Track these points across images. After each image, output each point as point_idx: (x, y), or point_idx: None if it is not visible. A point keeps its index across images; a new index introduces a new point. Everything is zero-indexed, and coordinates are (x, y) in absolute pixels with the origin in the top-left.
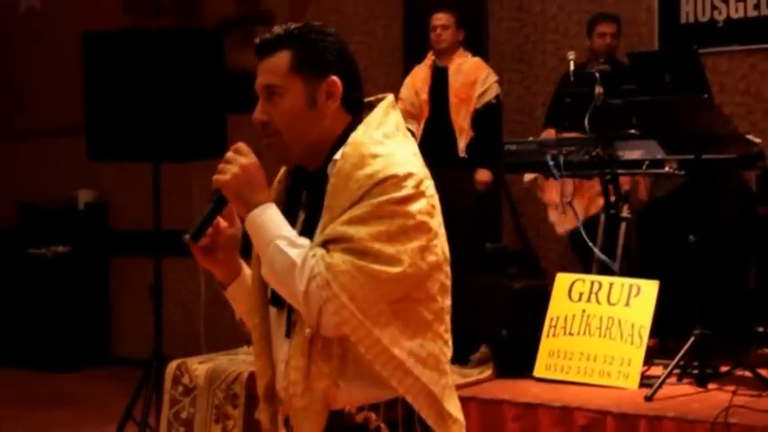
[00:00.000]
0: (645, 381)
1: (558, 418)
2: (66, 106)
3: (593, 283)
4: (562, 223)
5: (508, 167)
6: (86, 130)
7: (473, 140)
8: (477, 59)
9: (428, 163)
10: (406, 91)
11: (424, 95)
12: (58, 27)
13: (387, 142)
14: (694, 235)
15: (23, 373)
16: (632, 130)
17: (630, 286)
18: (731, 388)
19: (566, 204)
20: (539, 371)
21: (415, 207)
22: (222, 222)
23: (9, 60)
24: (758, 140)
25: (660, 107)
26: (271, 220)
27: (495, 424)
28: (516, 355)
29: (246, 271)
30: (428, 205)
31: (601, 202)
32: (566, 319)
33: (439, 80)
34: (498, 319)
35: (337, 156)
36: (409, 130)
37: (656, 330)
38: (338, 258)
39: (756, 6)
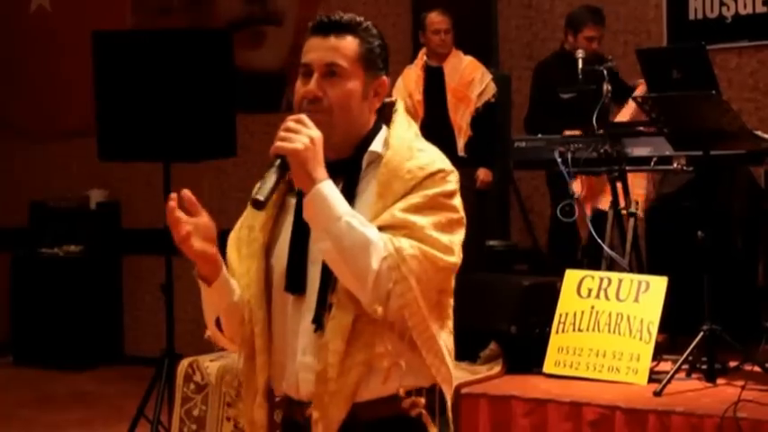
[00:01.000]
0: (654, 376)
1: (567, 413)
2: (76, 106)
3: (602, 279)
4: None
5: (517, 165)
6: (97, 130)
7: (472, 139)
8: (471, 58)
9: None
10: (398, 93)
11: (419, 96)
12: (69, 27)
13: (422, 141)
14: (703, 231)
15: (36, 372)
16: (640, 127)
17: (639, 282)
18: (740, 383)
19: (575, 201)
20: (548, 367)
21: (457, 202)
22: (199, 211)
23: (20, 60)
24: (767, 136)
25: (669, 104)
26: (336, 196)
27: (504, 420)
28: (525, 352)
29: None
30: (461, 202)
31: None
32: (575, 315)
33: (433, 80)
34: (507, 315)
35: (374, 148)
36: None
37: (664, 326)
38: (405, 243)
39: (765, 2)
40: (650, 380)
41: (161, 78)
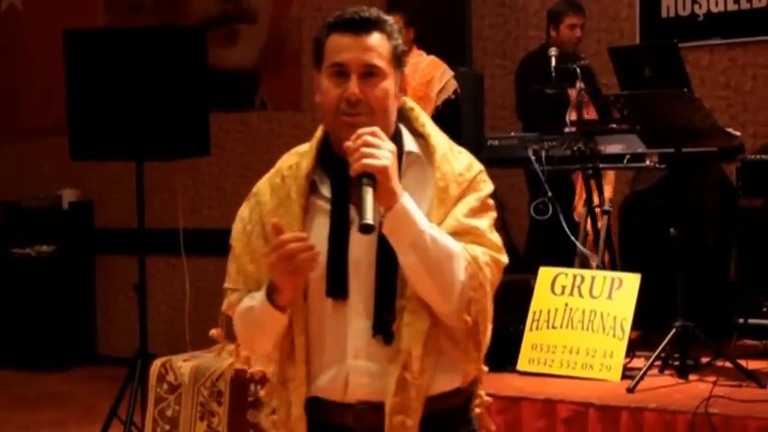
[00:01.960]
0: (627, 373)
1: (541, 410)
2: (48, 105)
3: (575, 276)
4: None
5: (490, 162)
6: (69, 129)
7: None
8: (432, 57)
9: None
10: None
11: None
12: (40, 26)
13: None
14: (675, 228)
15: (8, 373)
16: (613, 125)
17: (612, 279)
18: (712, 379)
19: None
20: (522, 364)
21: (492, 202)
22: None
23: None
24: (738, 134)
25: (641, 101)
26: (415, 208)
27: None
28: (499, 349)
29: None
30: None
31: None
32: (548, 312)
33: None
34: None
35: (409, 148)
36: None
37: (638, 323)
38: (478, 250)
39: (736, 0)
40: (623, 376)
41: (134, 77)
